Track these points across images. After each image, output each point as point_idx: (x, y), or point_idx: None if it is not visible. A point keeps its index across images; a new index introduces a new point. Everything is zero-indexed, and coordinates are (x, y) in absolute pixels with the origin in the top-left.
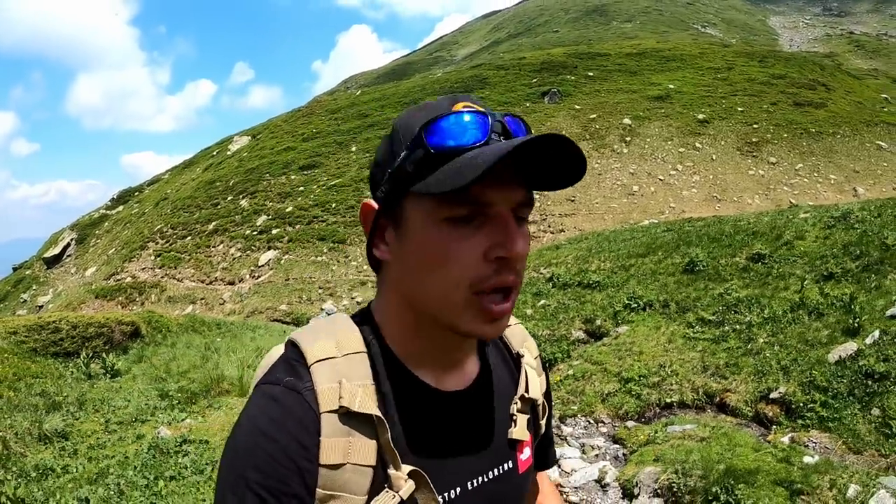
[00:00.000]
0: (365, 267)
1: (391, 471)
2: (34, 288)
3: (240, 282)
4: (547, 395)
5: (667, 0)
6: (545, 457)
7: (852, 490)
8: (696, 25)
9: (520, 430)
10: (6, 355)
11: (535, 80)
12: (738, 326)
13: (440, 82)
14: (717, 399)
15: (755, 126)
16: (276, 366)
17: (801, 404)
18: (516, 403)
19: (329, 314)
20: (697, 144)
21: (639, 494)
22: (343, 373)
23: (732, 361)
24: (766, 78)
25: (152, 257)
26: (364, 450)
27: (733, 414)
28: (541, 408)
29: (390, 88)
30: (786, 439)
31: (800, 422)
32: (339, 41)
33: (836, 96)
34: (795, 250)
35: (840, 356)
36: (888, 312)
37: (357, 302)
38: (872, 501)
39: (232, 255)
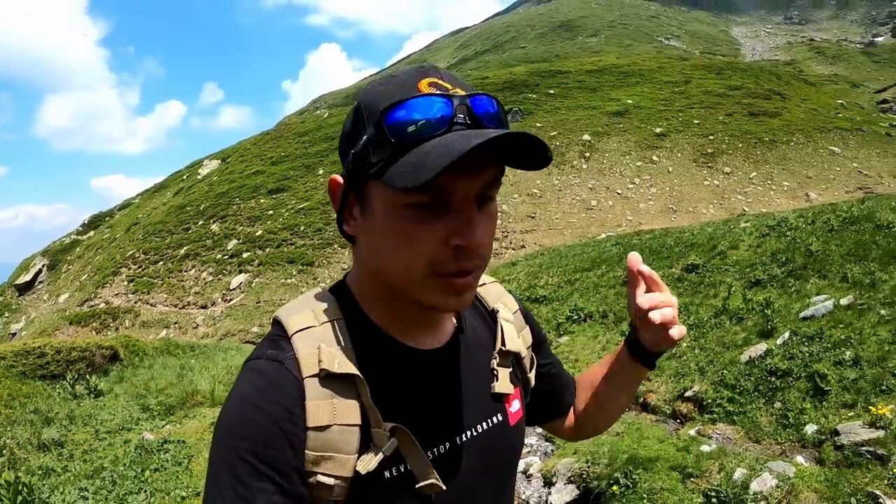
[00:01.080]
0: None
1: (373, 429)
2: (6, 315)
3: (212, 305)
4: (537, 345)
5: (631, 14)
6: (563, 397)
7: (739, 473)
8: (660, 38)
9: (502, 383)
10: None
11: None
12: None
13: None
14: (642, 399)
15: (711, 137)
16: (261, 344)
17: (711, 400)
18: (495, 358)
19: None
20: (654, 158)
21: (556, 482)
22: (322, 339)
23: (657, 365)
24: (722, 90)
25: (125, 283)
26: (348, 410)
27: (654, 412)
28: (527, 360)
29: None
30: (692, 432)
31: (707, 416)
32: (308, 60)
33: (791, 105)
34: (728, 259)
35: (750, 356)
36: (802, 314)
37: None
38: (755, 482)
39: (204, 279)
